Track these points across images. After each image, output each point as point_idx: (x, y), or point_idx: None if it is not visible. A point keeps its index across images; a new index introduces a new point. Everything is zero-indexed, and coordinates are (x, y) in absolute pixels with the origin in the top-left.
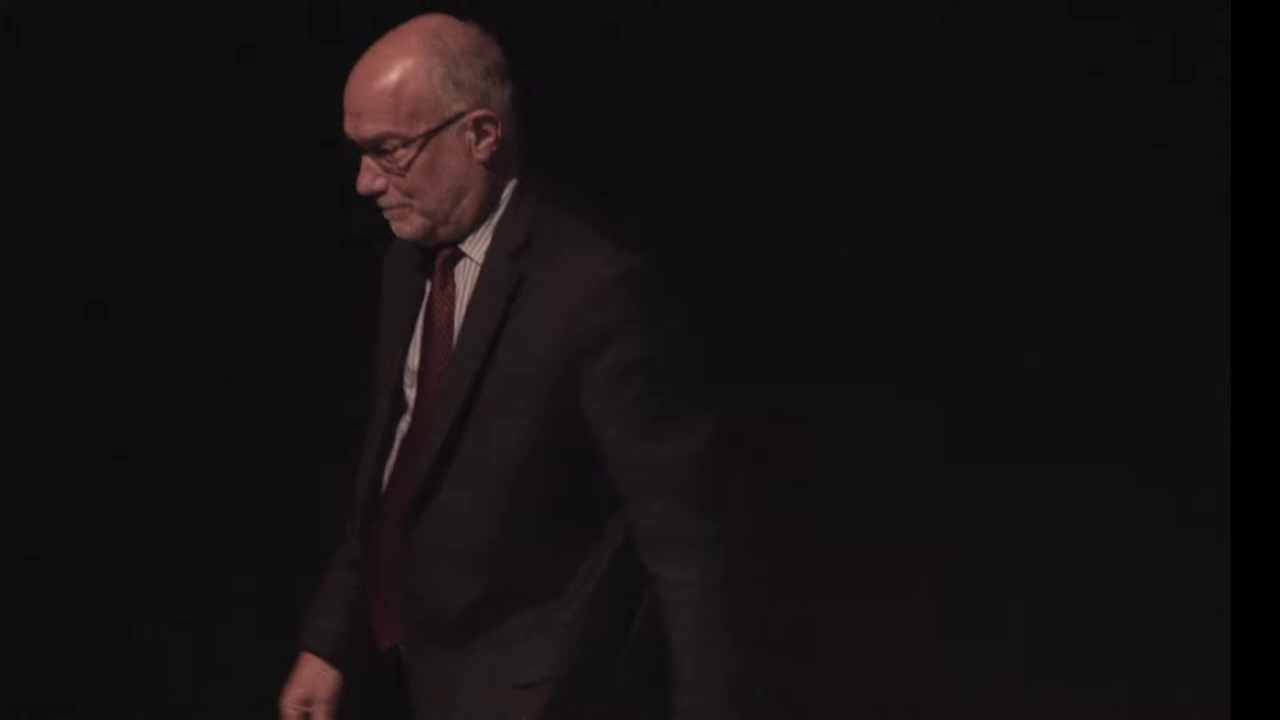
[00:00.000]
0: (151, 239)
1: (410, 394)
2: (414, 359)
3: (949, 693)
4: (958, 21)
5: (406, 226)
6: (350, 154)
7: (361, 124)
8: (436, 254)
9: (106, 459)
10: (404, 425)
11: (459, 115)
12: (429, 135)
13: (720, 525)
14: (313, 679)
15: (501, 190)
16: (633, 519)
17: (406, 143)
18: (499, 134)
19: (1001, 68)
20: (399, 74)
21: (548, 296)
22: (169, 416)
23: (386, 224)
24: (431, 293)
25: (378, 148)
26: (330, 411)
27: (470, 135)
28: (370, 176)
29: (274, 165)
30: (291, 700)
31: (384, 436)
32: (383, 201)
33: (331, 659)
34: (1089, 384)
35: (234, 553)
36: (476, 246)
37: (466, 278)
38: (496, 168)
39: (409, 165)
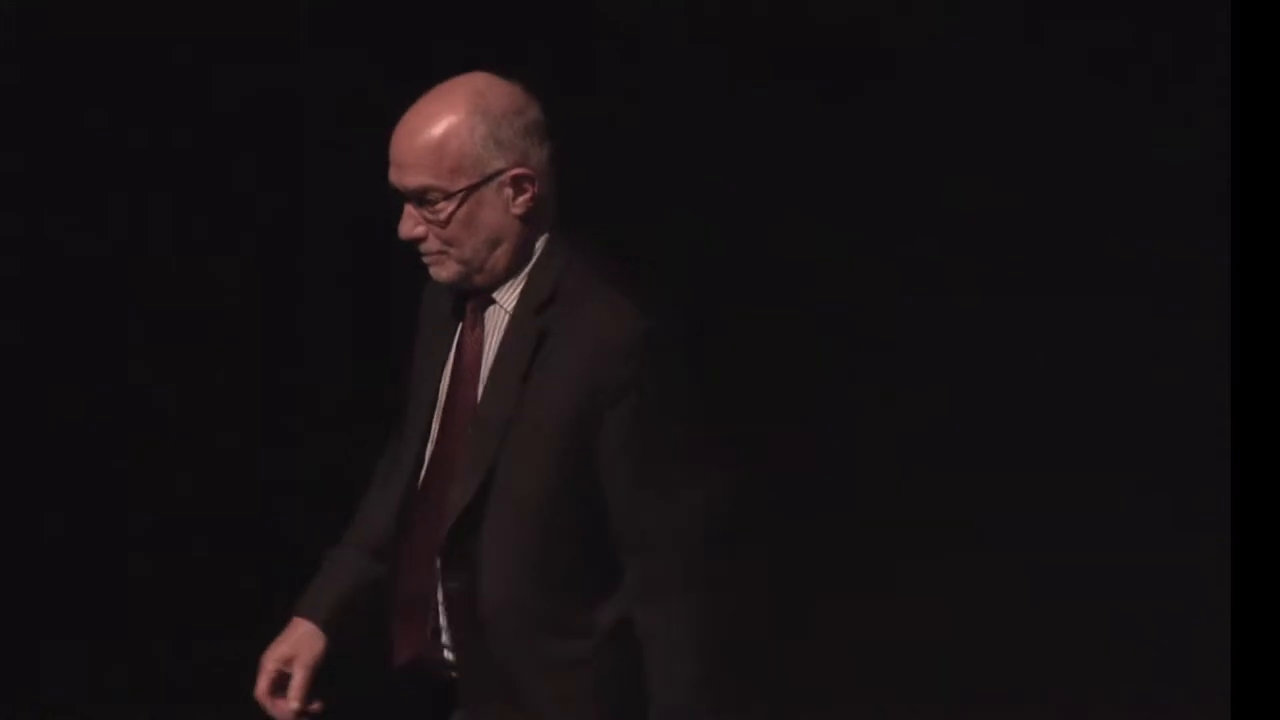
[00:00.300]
0: (153, 236)
1: (435, 427)
2: (443, 394)
3: (949, 692)
4: (957, 21)
5: (443, 272)
6: (393, 199)
7: (405, 175)
8: (470, 296)
9: (107, 460)
10: (429, 453)
11: (498, 172)
12: (469, 190)
13: (713, 582)
14: (299, 641)
15: (534, 243)
16: (630, 565)
17: (448, 196)
18: (535, 191)
19: (1002, 68)
20: (443, 130)
21: (569, 351)
22: (171, 417)
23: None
24: (462, 334)
25: (420, 198)
26: (334, 414)
27: (508, 191)
28: (411, 224)
29: (278, 164)
30: (274, 655)
31: (415, 460)
32: (422, 248)
33: (324, 628)
34: (1088, 384)
35: (236, 554)
36: (507, 296)
37: (495, 325)
38: (531, 222)
39: (449, 217)
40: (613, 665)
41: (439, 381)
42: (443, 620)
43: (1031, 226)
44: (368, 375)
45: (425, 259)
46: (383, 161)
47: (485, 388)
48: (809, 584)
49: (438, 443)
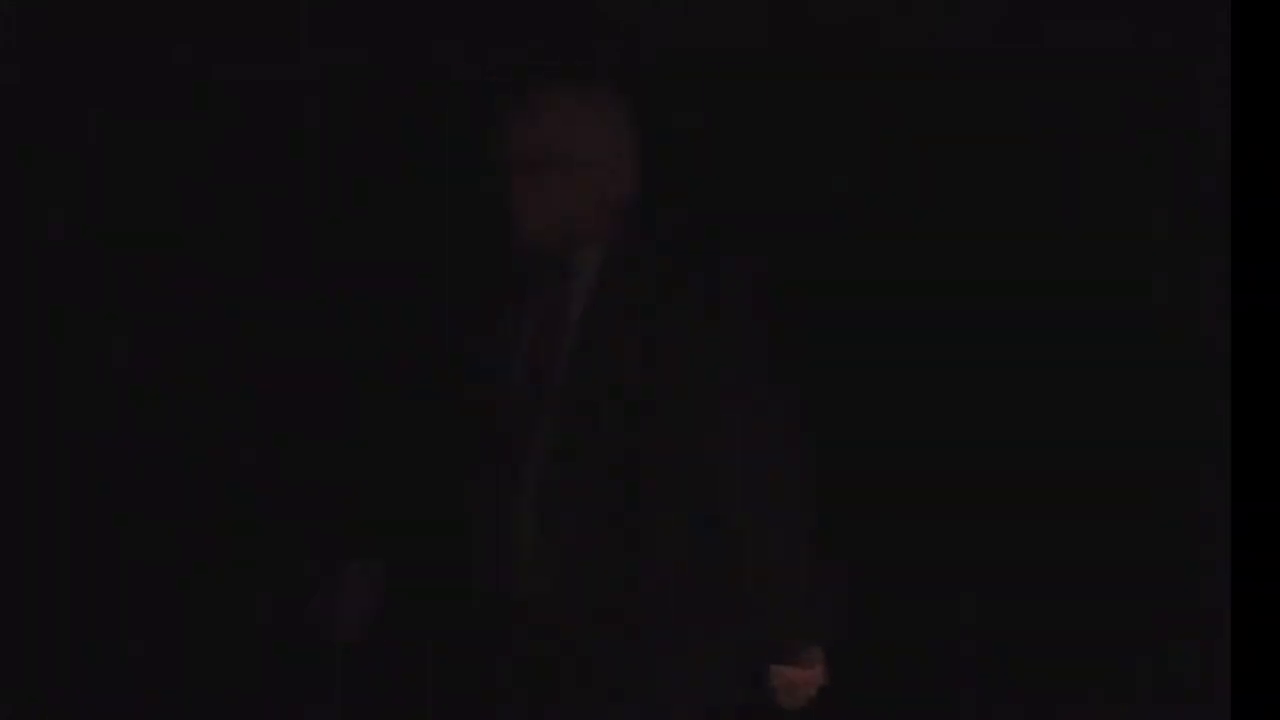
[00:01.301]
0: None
1: (521, 375)
2: (529, 345)
3: (944, 691)
4: (957, 21)
5: (536, 227)
6: (509, 162)
7: (533, 139)
8: (556, 260)
9: (113, 460)
10: (511, 418)
11: (613, 153)
12: (584, 161)
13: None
14: None
15: (618, 217)
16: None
17: (565, 161)
18: (633, 173)
19: (1004, 66)
20: (576, 109)
21: (660, 311)
22: (168, 408)
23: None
24: (550, 292)
25: (541, 160)
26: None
27: (613, 169)
28: (524, 181)
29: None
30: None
31: (491, 423)
32: (526, 204)
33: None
34: (1087, 386)
35: (234, 553)
36: (591, 259)
37: (585, 283)
38: (620, 200)
39: (560, 179)
40: None
41: (519, 343)
42: None
43: (1030, 224)
44: (369, 369)
45: (524, 216)
46: (382, 161)
47: (578, 336)
48: None
49: (522, 407)
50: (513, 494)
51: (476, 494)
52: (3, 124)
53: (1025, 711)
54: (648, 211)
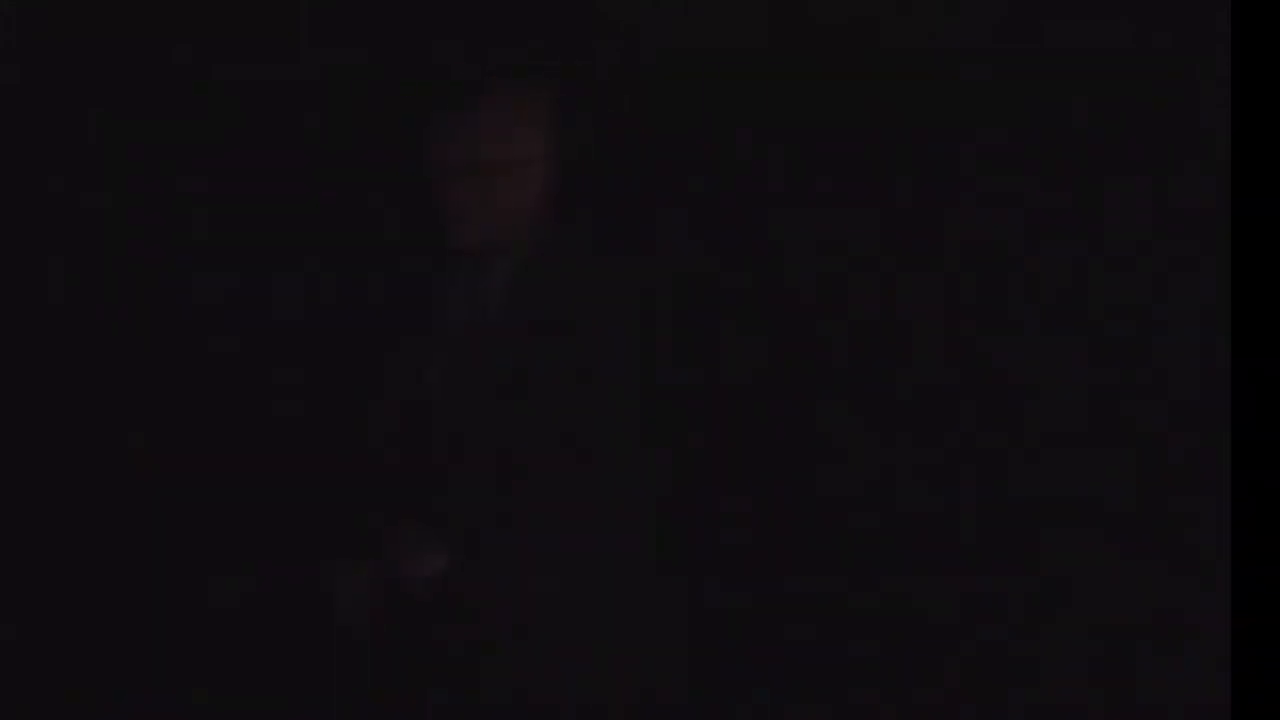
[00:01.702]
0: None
1: (443, 369)
2: (451, 339)
3: (943, 691)
4: (957, 21)
5: (468, 232)
6: (445, 170)
7: (464, 147)
8: (480, 257)
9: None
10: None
11: (535, 159)
12: (513, 166)
13: None
14: None
15: (540, 219)
16: None
17: (496, 169)
18: (554, 179)
19: (1004, 66)
20: (504, 117)
21: (570, 301)
22: (165, 417)
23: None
24: (477, 289)
25: (472, 168)
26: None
27: (535, 175)
28: (458, 188)
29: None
30: None
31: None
32: (458, 210)
33: None
34: (1086, 385)
35: (232, 551)
36: (513, 260)
37: (505, 280)
38: (543, 202)
39: (491, 186)
40: None
41: (444, 339)
42: None
43: (1031, 223)
44: (369, 367)
45: (456, 221)
46: (379, 161)
47: (489, 340)
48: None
49: (443, 400)
50: (436, 491)
51: (400, 490)
52: (3, 124)
53: (1025, 712)
54: (569, 209)
